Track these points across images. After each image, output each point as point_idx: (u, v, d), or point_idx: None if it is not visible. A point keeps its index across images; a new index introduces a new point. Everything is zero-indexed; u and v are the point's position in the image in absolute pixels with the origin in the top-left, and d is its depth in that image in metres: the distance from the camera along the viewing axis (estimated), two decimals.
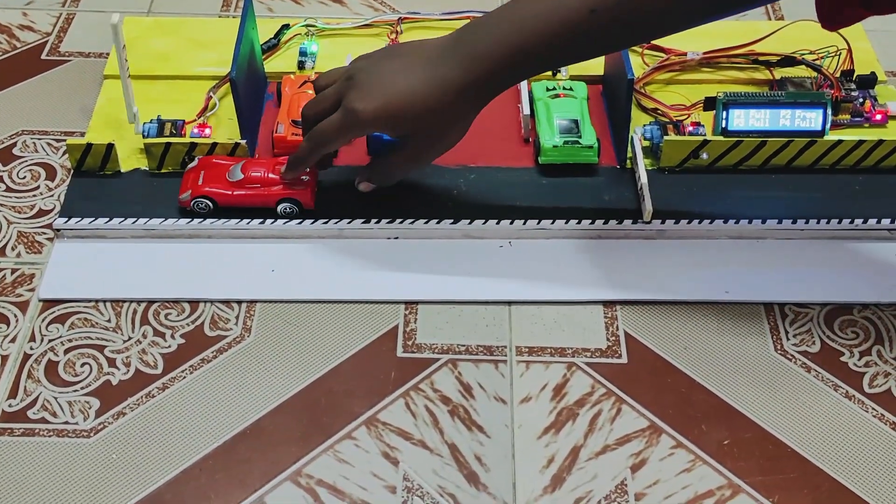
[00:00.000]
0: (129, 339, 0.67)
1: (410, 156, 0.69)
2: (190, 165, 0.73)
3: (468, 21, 0.68)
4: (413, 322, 0.68)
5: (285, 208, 0.71)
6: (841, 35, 0.78)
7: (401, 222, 0.72)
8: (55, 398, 0.63)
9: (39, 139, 0.80)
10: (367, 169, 0.71)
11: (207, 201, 0.71)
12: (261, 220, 0.72)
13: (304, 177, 0.72)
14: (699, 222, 0.72)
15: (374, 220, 0.72)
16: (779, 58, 0.82)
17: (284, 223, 0.72)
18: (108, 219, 0.72)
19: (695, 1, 0.62)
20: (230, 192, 0.71)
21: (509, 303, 0.69)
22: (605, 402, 0.64)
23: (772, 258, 0.71)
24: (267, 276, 0.70)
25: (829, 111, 0.75)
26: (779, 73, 0.82)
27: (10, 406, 0.63)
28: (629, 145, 0.76)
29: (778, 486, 0.59)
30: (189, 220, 0.72)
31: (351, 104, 0.65)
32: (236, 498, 0.59)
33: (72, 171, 0.76)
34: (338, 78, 0.69)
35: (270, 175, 0.71)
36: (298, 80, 0.79)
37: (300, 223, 0.72)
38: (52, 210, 0.74)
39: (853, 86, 0.80)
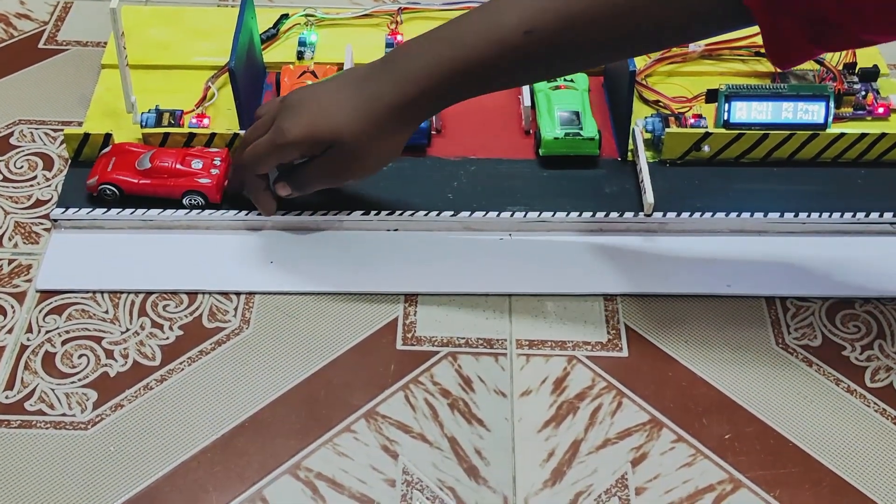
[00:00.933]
0: (127, 330, 0.66)
1: (328, 171, 0.67)
2: (103, 151, 0.73)
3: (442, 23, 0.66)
4: (413, 314, 0.68)
5: (190, 200, 0.71)
6: None
7: (400, 214, 0.72)
8: (52, 390, 0.63)
9: (37, 129, 0.80)
10: (288, 173, 0.69)
11: (114, 188, 0.71)
12: (259, 212, 0.71)
13: (212, 169, 0.71)
14: (700, 215, 0.72)
15: (373, 212, 0.72)
16: None
17: (283, 215, 0.71)
18: (105, 209, 0.71)
19: (632, 36, 0.61)
20: (136, 181, 0.71)
21: (509, 295, 0.69)
22: (605, 396, 0.63)
23: (773, 252, 0.71)
24: (266, 267, 0.70)
25: (832, 104, 0.74)
26: None
27: (6, 398, 0.62)
28: (630, 137, 0.75)
29: (779, 481, 0.59)
30: (187, 211, 0.71)
31: (281, 124, 0.66)
32: (235, 491, 0.58)
33: (69, 161, 0.75)
34: (273, 106, 0.69)
35: (178, 166, 0.71)
36: (297, 70, 0.79)
37: (299, 215, 0.71)
38: (49, 200, 0.74)
39: (856, 79, 0.80)
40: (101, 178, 0.71)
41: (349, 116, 0.64)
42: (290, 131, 0.65)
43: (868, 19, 0.54)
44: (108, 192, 0.71)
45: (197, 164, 0.71)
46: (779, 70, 0.59)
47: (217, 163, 0.72)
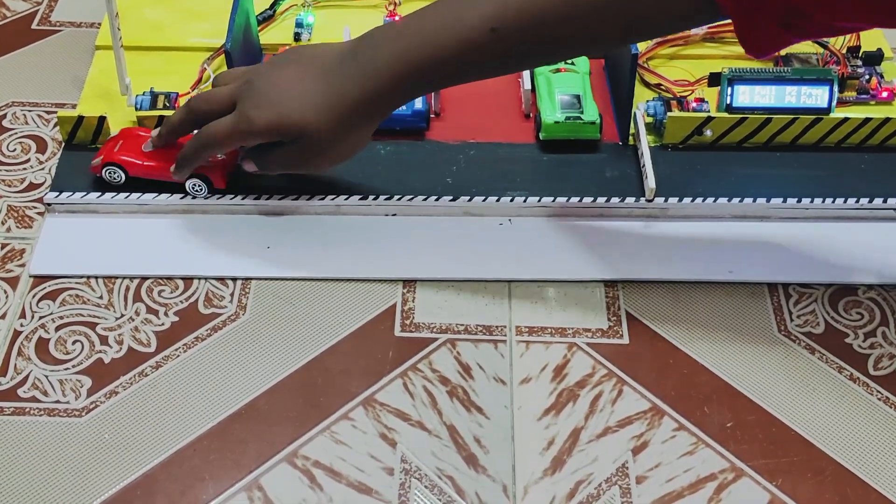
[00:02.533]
0: (122, 316, 0.65)
1: (296, 159, 0.66)
2: (113, 134, 0.72)
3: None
4: (411, 301, 0.67)
5: (194, 185, 0.70)
6: None
7: (399, 199, 0.71)
8: (46, 376, 0.62)
9: (30, 111, 0.79)
10: (255, 152, 0.68)
11: (119, 169, 0.70)
12: (255, 196, 0.71)
13: (217, 154, 0.70)
14: (702, 200, 0.71)
15: (371, 197, 0.71)
16: None
17: (280, 199, 0.70)
18: (100, 193, 0.71)
19: (601, 32, 0.60)
20: (141, 163, 0.70)
21: (509, 281, 0.68)
22: (606, 384, 0.63)
23: (776, 238, 0.70)
24: (262, 252, 0.69)
25: (836, 88, 0.74)
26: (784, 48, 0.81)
27: None
28: (632, 121, 0.75)
29: (781, 470, 0.59)
30: (183, 195, 0.70)
31: (246, 111, 0.64)
32: (231, 479, 0.58)
33: (63, 144, 0.75)
34: (237, 78, 0.67)
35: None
36: None
37: (296, 199, 0.71)
38: (42, 184, 0.73)
39: (859, 62, 0.79)
40: (105, 158, 0.70)
41: (314, 111, 0.63)
42: (256, 121, 0.64)
43: (837, 8, 0.54)
44: (114, 174, 0.70)
45: None
46: (754, 56, 0.59)
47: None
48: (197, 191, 0.70)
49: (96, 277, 0.68)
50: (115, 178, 0.70)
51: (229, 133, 0.65)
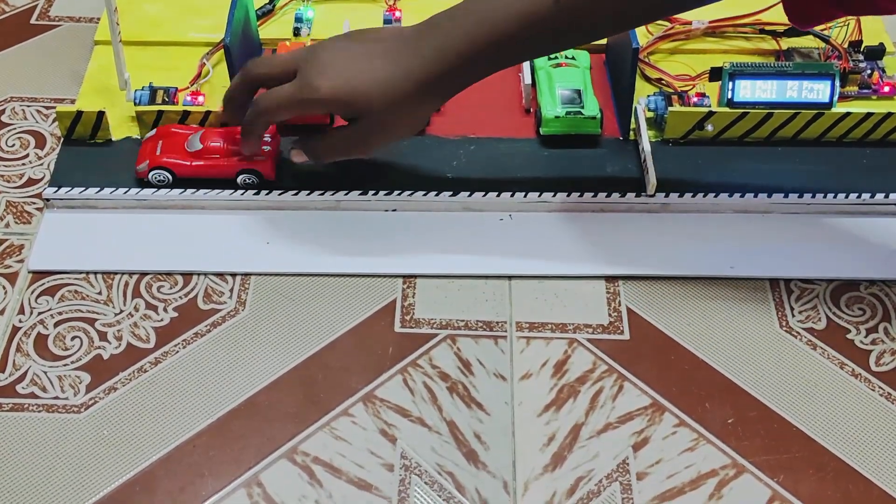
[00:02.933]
0: (121, 312, 0.65)
1: (355, 140, 0.66)
2: (148, 135, 0.72)
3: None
4: (411, 296, 0.67)
5: (245, 179, 0.70)
6: None
7: (399, 194, 0.71)
8: (45, 372, 0.62)
9: (28, 106, 0.79)
10: (305, 140, 0.68)
11: (166, 172, 0.69)
12: (255, 191, 0.70)
13: (265, 147, 0.70)
14: (704, 195, 0.71)
15: (371, 192, 0.71)
16: (786, 27, 0.80)
17: (280, 194, 0.70)
18: (99, 189, 0.70)
19: None
20: (189, 163, 0.70)
21: (509, 277, 0.68)
22: (606, 379, 0.63)
23: (778, 233, 0.70)
24: (262, 248, 0.69)
25: (837, 83, 0.73)
26: (786, 43, 0.81)
27: None
28: (633, 116, 0.74)
29: (782, 466, 0.59)
30: (182, 190, 0.70)
31: (309, 78, 0.63)
32: (230, 475, 0.58)
33: (62, 140, 0.74)
34: (281, 64, 0.66)
35: (230, 145, 0.70)
36: (294, 46, 0.78)
37: (296, 194, 0.70)
38: (41, 179, 0.73)
39: (861, 57, 0.78)
40: (152, 163, 0.69)
41: (380, 88, 0.63)
42: (321, 89, 0.63)
43: None
44: (160, 176, 0.69)
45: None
46: (798, 27, 0.60)
47: (268, 139, 0.70)
48: (248, 184, 0.70)
49: (95, 273, 0.67)
50: (162, 181, 0.70)
51: (289, 100, 0.64)
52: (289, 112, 0.66)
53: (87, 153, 0.73)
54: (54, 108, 0.77)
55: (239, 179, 0.70)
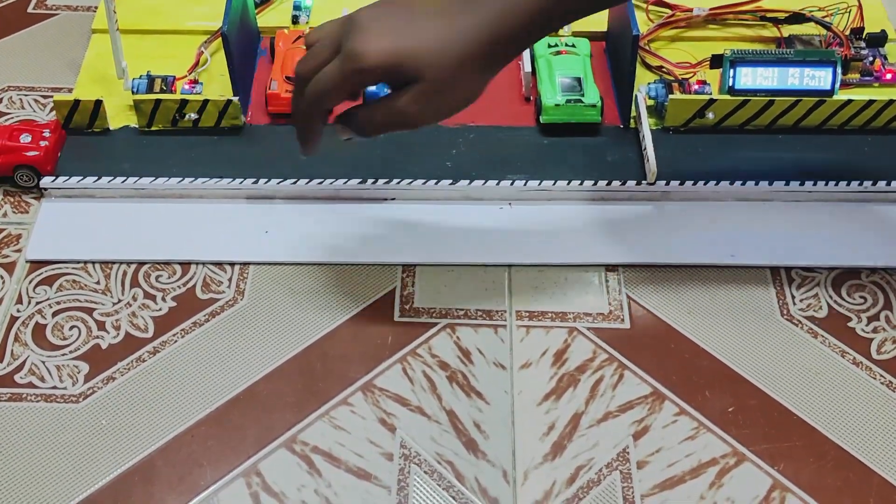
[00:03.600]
0: (119, 301, 0.65)
1: (404, 109, 0.56)
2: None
3: None
4: (410, 285, 0.66)
5: (22, 175, 0.69)
6: None
7: (398, 183, 0.70)
8: (43, 362, 0.62)
9: (26, 95, 0.78)
10: (352, 113, 0.59)
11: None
12: (253, 179, 0.70)
13: (41, 142, 0.69)
14: (704, 184, 0.70)
15: (370, 181, 0.70)
16: (787, 14, 0.80)
17: (279, 182, 0.70)
18: (96, 178, 0.70)
19: None
20: None
21: (509, 266, 0.68)
22: (606, 368, 0.62)
23: (779, 221, 0.70)
24: (261, 237, 0.69)
25: (839, 70, 0.73)
26: (787, 30, 0.80)
27: None
28: (633, 104, 0.74)
29: (783, 454, 0.58)
30: (180, 179, 0.70)
31: (353, 47, 0.55)
32: (229, 465, 0.58)
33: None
34: (333, 29, 0.59)
35: (7, 143, 0.69)
36: (292, 34, 0.78)
37: (294, 183, 0.70)
38: None
39: (863, 44, 0.78)
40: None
41: (436, 48, 0.54)
42: (368, 55, 0.54)
43: None
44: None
45: (26, 139, 0.70)
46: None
47: (46, 134, 0.70)
48: (26, 181, 0.70)
49: (93, 262, 0.67)
50: None
51: (336, 77, 0.55)
52: (339, 91, 0.57)
53: (84, 142, 0.73)
54: (52, 97, 0.76)
55: (16, 177, 0.69)
